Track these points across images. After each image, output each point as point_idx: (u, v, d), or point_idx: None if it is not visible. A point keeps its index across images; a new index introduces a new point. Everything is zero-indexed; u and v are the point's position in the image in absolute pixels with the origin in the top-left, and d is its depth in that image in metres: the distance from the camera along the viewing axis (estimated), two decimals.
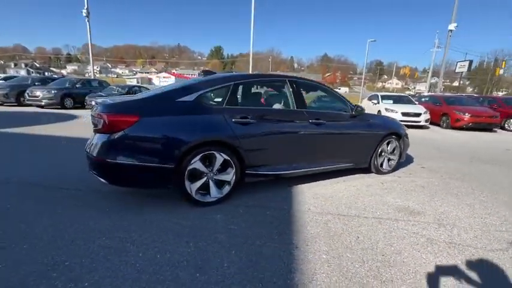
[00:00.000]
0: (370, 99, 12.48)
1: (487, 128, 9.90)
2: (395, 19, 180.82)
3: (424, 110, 10.07)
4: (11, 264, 1.71)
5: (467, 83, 70.96)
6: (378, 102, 11.17)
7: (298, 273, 1.76)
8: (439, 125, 10.80)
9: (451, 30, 16.16)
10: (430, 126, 10.70)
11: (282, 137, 2.98)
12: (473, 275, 1.80)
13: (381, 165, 3.97)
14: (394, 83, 70.60)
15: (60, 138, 5.69)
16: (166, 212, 2.53)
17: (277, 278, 1.69)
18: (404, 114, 9.84)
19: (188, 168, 2.48)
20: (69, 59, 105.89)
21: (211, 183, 2.65)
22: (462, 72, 31.20)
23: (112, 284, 1.58)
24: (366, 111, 3.74)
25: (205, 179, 2.62)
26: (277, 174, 3.04)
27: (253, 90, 3.24)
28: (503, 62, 33.46)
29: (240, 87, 2.87)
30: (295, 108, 3.14)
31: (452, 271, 1.84)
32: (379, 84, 71.23)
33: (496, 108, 11.28)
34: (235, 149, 2.67)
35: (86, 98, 11.61)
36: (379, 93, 12.22)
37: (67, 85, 12.31)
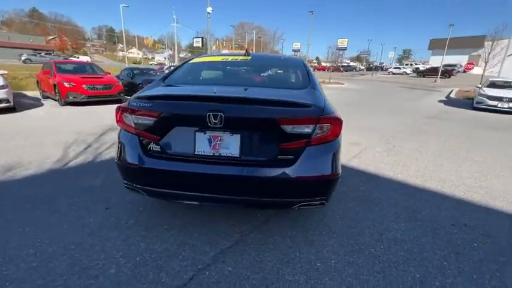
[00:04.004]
0: None
1: None
2: None
3: None
4: None
5: (189, 54, 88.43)
6: None
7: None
8: None
9: (209, 13, 19.74)
10: None
11: None
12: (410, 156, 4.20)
13: None
14: (136, 53, 70.45)
15: None
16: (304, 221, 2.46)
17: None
18: None
19: None
20: None
21: None
22: (199, 46, 38.99)
23: None
24: None
25: None
26: None
27: None
28: (217, 41, 46.19)
29: None
30: None
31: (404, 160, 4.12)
32: (120, 54, 67.35)
33: None
34: None
35: None
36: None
37: None
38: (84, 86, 7.70)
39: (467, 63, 21.30)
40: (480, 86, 12.03)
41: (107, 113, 7.00)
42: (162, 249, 1.85)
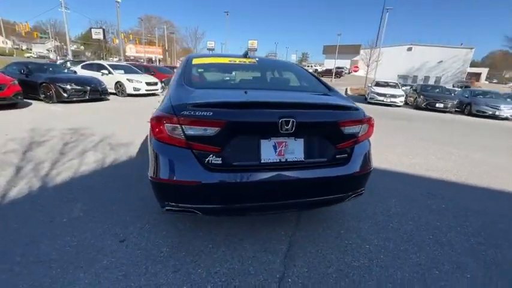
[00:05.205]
0: (87, 68, 10.82)
1: None
2: None
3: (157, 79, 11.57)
4: None
5: (81, 47, 74.22)
6: (110, 73, 10.40)
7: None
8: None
9: (118, 2, 16.96)
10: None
11: None
12: None
13: None
14: (1, 41, 53.05)
15: None
16: None
17: None
18: (148, 83, 10.67)
19: None
20: None
21: None
22: (100, 38, 33.53)
23: None
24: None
25: None
26: None
27: None
28: (122, 34, 40.42)
29: None
30: None
31: None
32: None
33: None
34: None
35: None
36: (106, 63, 11.06)
37: None
38: None
39: (354, 66, 26.71)
40: (370, 85, 15.28)
41: (4, 119, 5.28)
42: (227, 270, 1.69)
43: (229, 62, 2.58)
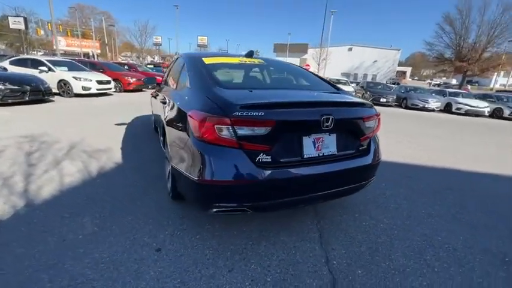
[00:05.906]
0: (19, 64, 9.20)
1: (142, 88, 12.90)
2: None
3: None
4: None
5: None
6: (51, 70, 9.03)
7: None
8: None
9: None
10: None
11: None
12: None
13: None
14: None
15: None
16: None
17: None
18: (99, 82, 9.60)
19: None
20: None
21: None
22: (20, 29, 28.65)
23: None
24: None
25: None
26: None
27: None
28: (49, 24, 34.91)
29: None
30: None
31: None
32: None
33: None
34: None
35: None
36: (45, 58, 9.49)
37: None
38: None
39: (305, 65, 28.37)
40: None
41: None
42: (277, 261, 1.78)
43: (240, 62, 2.60)
